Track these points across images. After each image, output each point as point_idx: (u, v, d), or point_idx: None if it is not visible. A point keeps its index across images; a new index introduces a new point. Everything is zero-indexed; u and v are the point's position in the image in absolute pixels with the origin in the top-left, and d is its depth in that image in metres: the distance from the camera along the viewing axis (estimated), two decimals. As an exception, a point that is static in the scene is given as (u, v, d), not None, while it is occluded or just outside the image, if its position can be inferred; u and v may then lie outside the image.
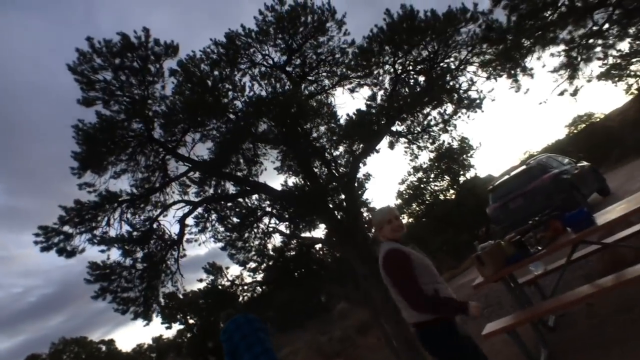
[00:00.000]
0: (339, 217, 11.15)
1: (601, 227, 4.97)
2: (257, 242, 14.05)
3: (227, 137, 10.19)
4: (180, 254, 11.26)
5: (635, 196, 5.48)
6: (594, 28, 6.58)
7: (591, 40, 7.11)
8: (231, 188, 12.55)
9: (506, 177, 12.64)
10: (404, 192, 33.71)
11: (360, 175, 12.99)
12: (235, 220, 13.64)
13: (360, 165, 12.34)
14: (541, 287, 6.85)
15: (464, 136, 25.22)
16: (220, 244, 13.48)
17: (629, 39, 12.51)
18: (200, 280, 15.08)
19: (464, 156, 30.23)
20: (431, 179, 32.47)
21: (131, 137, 10.10)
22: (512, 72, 6.90)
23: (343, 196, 10.87)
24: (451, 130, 11.70)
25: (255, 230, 14.02)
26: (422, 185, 32.73)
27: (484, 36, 7.12)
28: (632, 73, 16.32)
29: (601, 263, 6.89)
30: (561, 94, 8.81)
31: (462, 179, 30.91)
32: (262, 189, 12.38)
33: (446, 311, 2.56)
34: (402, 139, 12.32)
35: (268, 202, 13.42)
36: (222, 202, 12.51)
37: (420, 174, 32.30)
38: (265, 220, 14.45)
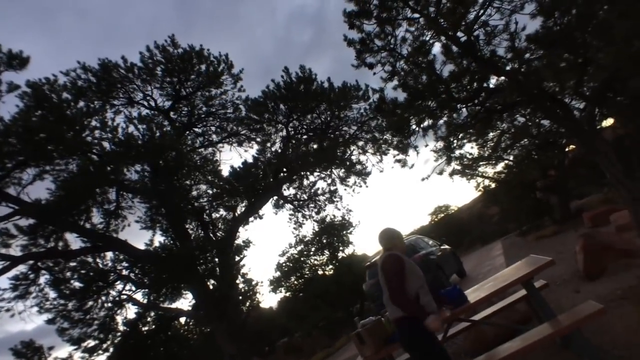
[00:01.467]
0: (210, 285, 9.66)
1: (472, 305, 4.99)
2: (102, 314, 11.25)
3: (81, 178, 8.27)
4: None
5: (497, 276, 5.81)
6: (467, 119, 7.61)
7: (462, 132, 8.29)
8: (75, 243, 10.10)
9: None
10: (284, 264, 32.87)
11: (240, 241, 11.92)
12: (76, 284, 10.85)
13: (241, 229, 11.33)
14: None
15: (349, 208, 26.15)
16: (47, 316, 10.36)
17: (476, 145, 15.09)
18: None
19: (344, 232, 31.40)
20: (312, 253, 32.54)
21: None
22: (400, 145, 7.37)
23: (217, 261, 9.55)
24: (337, 202, 11.80)
25: (104, 298, 11.33)
26: (302, 259, 32.46)
27: (378, 106, 7.55)
28: (480, 173, 19.60)
29: (468, 341, 7.02)
30: (440, 173, 9.82)
31: (340, 254, 31.70)
32: (119, 246, 10.25)
33: (416, 312, 3.16)
34: (288, 205, 11.90)
35: (125, 264, 11.14)
36: (61, 260, 9.87)
37: (301, 247, 32.16)
38: (119, 286, 11.90)
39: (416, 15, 7.17)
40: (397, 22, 7.34)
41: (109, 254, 10.84)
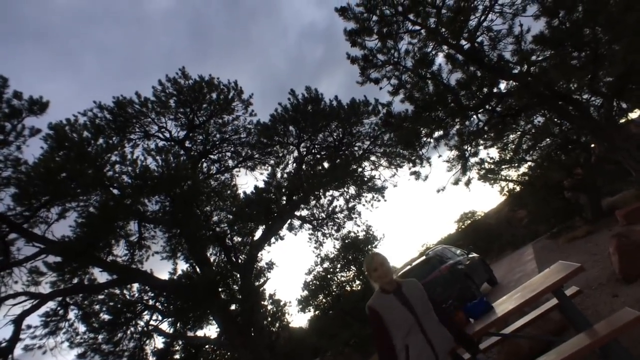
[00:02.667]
0: (233, 309, 9.64)
1: (501, 317, 4.77)
2: (132, 345, 11.39)
3: (101, 213, 8.52)
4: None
5: (525, 286, 5.54)
6: (480, 125, 7.46)
7: (476, 138, 8.14)
8: (102, 276, 10.35)
9: (408, 267, 12.74)
10: (311, 282, 32.62)
11: (262, 263, 11.91)
12: (105, 317, 11.06)
13: (262, 252, 11.34)
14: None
15: (368, 224, 25.94)
16: (78, 350, 10.55)
17: (496, 149, 14.74)
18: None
19: (369, 246, 30.98)
20: (338, 269, 32.19)
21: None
22: (412, 158, 7.31)
23: (238, 286, 9.54)
24: (355, 218, 11.67)
25: (132, 329, 11.48)
26: (328, 276, 32.13)
27: (385, 121, 7.52)
28: (503, 177, 19.09)
29: (502, 354, 6.70)
30: (456, 183, 9.56)
31: (367, 269, 31.16)
32: (143, 277, 10.41)
33: None
34: (307, 225, 11.86)
35: (151, 294, 11.29)
36: (88, 294, 10.10)
37: (327, 264, 31.92)
38: (146, 316, 12.04)
39: (417, 27, 7.19)
40: (399, 36, 7.36)
41: (135, 285, 11.01)
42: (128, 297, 11.32)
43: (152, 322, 11.38)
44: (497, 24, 6.52)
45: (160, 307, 11.34)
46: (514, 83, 6.63)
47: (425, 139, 7.15)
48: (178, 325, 11.27)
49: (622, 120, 9.88)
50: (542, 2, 6.29)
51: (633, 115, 10.96)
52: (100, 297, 10.79)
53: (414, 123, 6.95)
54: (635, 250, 5.84)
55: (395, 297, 2.86)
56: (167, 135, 10.70)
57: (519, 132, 13.60)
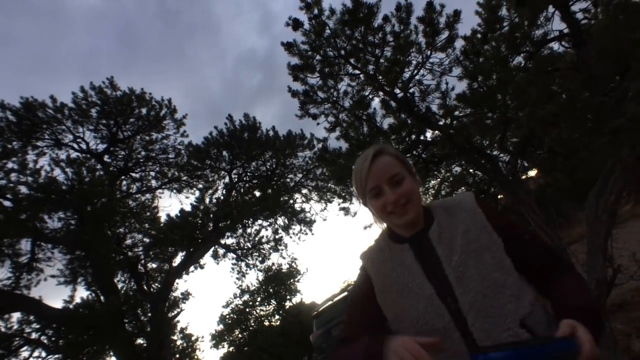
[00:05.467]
0: (140, 344, 8.64)
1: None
2: (1, 390, 9.52)
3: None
4: None
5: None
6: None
7: None
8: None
9: (329, 303, 12.70)
10: (228, 316, 30.86)
11: (177, 293, 10.99)
12: (-30, 353, 9.16)
13: (180, 281, 10.51)
14: None
15: (294, 256, 25.72)
16: None
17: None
18: None
19: (292, 280, 30.49)
20: (257, 303, 30.99)
21: None
22: (343, 194, 7.50)
23: (148, 317, 8.64)
24: (282, 250, 11.46)
25: (5, 369, 9.64)
26: (247, 309, 30.73)
27: (321, 155, 7.69)
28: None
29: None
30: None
31: (288, 304, 30.50)
32: (29, 305, 8.94)
33: None
34: (231, 254, 11.32)
35: (36, 326, 9.68)
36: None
37: (246, 297, 30.58)
38: (24, 353, 10.23)
39: (357, 72, 7.65)
40: (340, 77, 7.74)
41: (16, 315, 9.43)
42: (4, 329, 9.60)
43: (32, 360, 9.72)
44: (427, 79, 7.22)
45: (46, 341, 9.77)
46: (439, 133, 7.27)
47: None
48: (67, 363, 9.76)
49: (524, 177, 11.32)
50: (465, 66, 7.11)
51: (532, 173, 12.64)
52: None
53: (347, 160, 7.21)
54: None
55: (412, 250, 1.20)
56: (84, 146, 9.71)
57: (439, 179, 14.82)
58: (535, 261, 1.13)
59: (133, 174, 10.99)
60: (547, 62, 6.84)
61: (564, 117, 5.79)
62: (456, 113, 7.29)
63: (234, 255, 11.30)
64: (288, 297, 32.27)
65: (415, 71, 7.21)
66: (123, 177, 10.57)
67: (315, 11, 7.31)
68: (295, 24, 7.45)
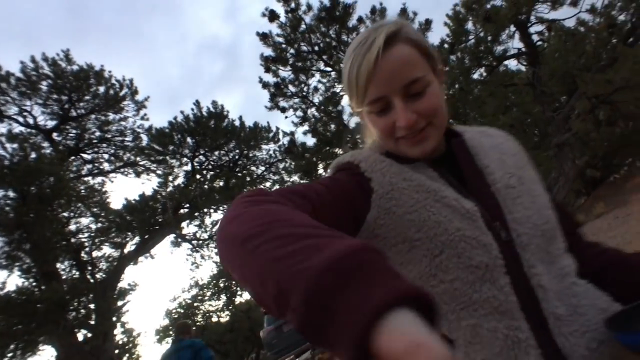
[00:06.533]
0: (80, 336, 8.15)
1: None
2: None
3: None
4: None
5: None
6: None
7: None
8: None
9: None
10: (174, 310, 29.82)
11: (124, 283, 10.47)
12: None
13: (127, 270, 10.04)
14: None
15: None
16: None
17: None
18: None
19: (244, 275, 30.04)
20: (206, 298, 30.23)
21: None
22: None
23: (92, 307, 8.20)
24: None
25: None
26: (195, 304, 29.87)
27: (288, 148, 7.72)
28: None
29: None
30: None
31: (238, 299, 30.03)
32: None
33: None
34: (186, 244, 11.00)
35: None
36: None
37: (195, 291, 29.70)
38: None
39: (328, 69, 7.79)
40: (311, 73, 7.84)
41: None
42: None
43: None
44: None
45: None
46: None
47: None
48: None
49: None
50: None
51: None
52: None
53: (314, 155, 7.32)
54: None
55: (432, 167, 0.79)
56: (31, 121, 8.99)
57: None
58: (570, 229, 0.82)
59: (84, 155, 10.34)
60: (505, 76, 7.39)
61: (518, 128, 6.31)
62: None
63: (190, 246, 11.00)
64: (239, 292, 31.76)
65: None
66: (73, 157, 9.91)
67: (293, 5, 7.35)
68: (272, 16, 7.44)
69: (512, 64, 8.23)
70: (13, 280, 17.72)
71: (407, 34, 0.74)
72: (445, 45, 7.42)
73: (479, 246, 0.68)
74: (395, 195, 0.74)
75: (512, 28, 7.02)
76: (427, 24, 7.20)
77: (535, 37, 7.36)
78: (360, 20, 7.48)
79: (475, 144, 0.81)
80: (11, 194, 8.00)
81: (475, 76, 7.56)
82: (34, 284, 8.46)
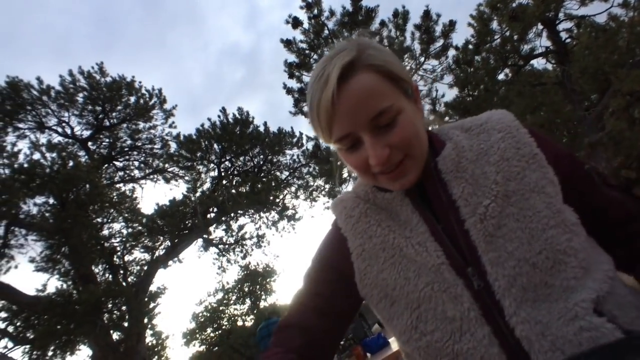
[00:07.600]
0: (114, 337, 8.46)
1: (396, 352, 5.07)
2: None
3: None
4: None
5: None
6: None
7: None
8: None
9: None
10: (201, 314, 30.34)
11: (154, 286, 10.81)
12: None
13: (157, 274, 10.35)
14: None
15: (276, 254, 25.63)
16: None
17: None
18: None
19: (268, 280, 30.30)
20: (232, 302, 30.59)
21: None
22: (331, 192, 7.66)
23: (125, 309, 8.49)
24: (265, 247, 11.48)
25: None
26: (221, 308, 30.29)
27: (313, 152, 7.84)
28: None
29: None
30: None
31: (262, 304, 30.26)
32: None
33: None
34: (213, 249, 11.26)
35: (3, 314, 9.32)
36: None
37: (220, 295, 30.12)
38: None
39: (352, 73, 7.86)
40: (335, 78, 7.92)
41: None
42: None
43: (-1, 350, 9.33)
44: (420, 85, 7.48)
45: (12, 331, 9.41)
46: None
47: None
48: (34, 353, 9.42)
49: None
50: (456, 75, 7.44)
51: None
52: None
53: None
54: None
55: (409, 197, 0.75)
56: (68, 131, 9.47)
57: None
58: (618, 215, 0.71)
59: (117, 163, 10.78)
60: (532, 76, 7.26)
61: (547, 128, 6.18)
62: (446, 119, 7.61)
63: (216, 250, 11.25)
64: (263, 296, 31.99)
65: (409, 76, 7.48)
66: (106, 165, 10.35)
67: (315, 11, 7.48)
68: (295, 23, 7.59)
69: (537, 63, 8.09)
70: (52, 283, 18.52)
71: (366, 60, 0.66)
72: (470, 46, 7.36)
73: (449, 299, 0.65)
74: (366, 256, 0.75)
75: (540, 26, 6.91)
76: (451, 25, 7.16)
77: (563, 35, 7.21)
78: (382, 24, 7.53)
79: (450, 164, 0.72)
80: (51, 200, 8.44)
81: (501, 77, 7.47)
82: (71, 286, 8.88)
